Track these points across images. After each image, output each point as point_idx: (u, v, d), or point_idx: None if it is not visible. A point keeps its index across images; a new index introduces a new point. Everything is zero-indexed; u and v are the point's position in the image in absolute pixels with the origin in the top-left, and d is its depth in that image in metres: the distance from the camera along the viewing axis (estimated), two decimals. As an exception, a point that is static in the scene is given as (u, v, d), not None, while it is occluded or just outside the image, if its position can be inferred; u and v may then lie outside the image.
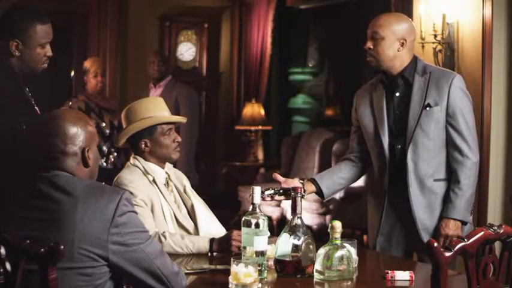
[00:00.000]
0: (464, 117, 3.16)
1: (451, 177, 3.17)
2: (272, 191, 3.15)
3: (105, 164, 5.41)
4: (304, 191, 3.21)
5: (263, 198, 3.08)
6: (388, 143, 3.23)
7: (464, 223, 3.16)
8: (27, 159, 2.29)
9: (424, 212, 3.19)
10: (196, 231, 3.06)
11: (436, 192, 3.19)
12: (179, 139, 3.14)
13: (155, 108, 3.12)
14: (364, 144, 3.37)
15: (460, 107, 3.16)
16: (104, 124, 5.48)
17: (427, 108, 3.16)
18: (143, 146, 3.09)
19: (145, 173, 3.07)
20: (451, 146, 3.18)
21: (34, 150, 2.23)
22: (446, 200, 3.16)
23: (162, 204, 3.02)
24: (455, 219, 3.14)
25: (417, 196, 3.18)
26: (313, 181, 3.33)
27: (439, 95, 3.16)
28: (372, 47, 3.18)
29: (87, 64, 5.79)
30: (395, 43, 3.17)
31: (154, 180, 3.06)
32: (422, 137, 3.17)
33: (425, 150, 3.17)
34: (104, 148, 5.41)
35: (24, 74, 3.03)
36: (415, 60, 3.23)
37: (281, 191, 3.16)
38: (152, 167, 3.09)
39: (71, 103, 5.58)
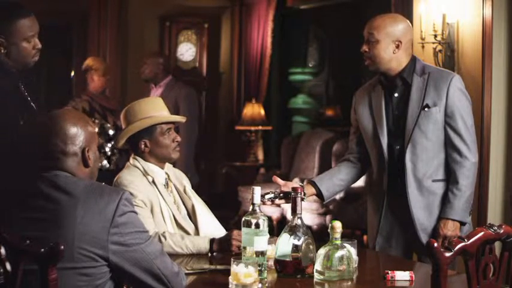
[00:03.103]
0: (463, 118, 3.16)
1: (450, 178, 3.17)
2: (272, 195, 3.15)
3: (107, 165, 5.37)
4: (304, 194, 3.22)
5: (263, 203, 3.08)
6: (387, 143, 3.23)
7: (462, 224, 3.16)
8: (27, 159, 2.29)
9: (423, 212, 3.19)
10: (197, 233, 3.06)
11: (435, 193, 3.19)
12: (179, 139, 3.14)
13: (154, 108, 3.12)
14: (363, 144, 3.36)
15: (459, 108, 3.16)
16: (108, 125, 5.45)
17: (426, 109, 3.16)
18: (143, 146, 3.09)
19: (145, 173, 3.07)
20: (449, 146, 3.17)
21: (34, 150, 2.23)
22: (445, 201, 3.16)
23: (161, 206, 3.02)
24: (453, 220, 3.14)
25: (416, 196, 3.18)
26: (313, 184, 3.33)
27: (438, 96, 3.15)
28: (367, 50, 3.19)
29: (93, 63, 5.73)
30: (391, 45, 3.16)
31: (153, 181, 3.06)
32: (420, 137, 3.17)
33: (423, 151, 3.17)
34: (107, 149, 5.38)
35: (18, 70, 3.03)
36: (413, 60, 3.23)
37: (281, 194, 3.16)
38: (152, 167, 3.09)
39: (74, 103, 5.54)
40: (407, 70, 3.21)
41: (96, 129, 5.35)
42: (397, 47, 3.17)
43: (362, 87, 3.42)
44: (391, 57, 3.17)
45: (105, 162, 5.38)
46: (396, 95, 3.24)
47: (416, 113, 3.17)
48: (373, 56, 3.18)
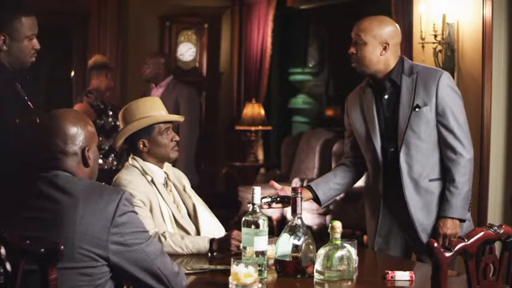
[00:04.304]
0: (454, 115, 3.15)
1: (446, 176, 3.16)
2: (269, 199, 3.16)
3: (115, 167, 5.31)
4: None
5: (260, 206, 3.09)
6: (381, 146, 3.23)
7: (462, 221, 3.16)
8: (27, 159, 2.29)
9: (422, 212, 3.18)
10: (198, 233, 3.06)
11: (433, 192, 3.18)
12: (177, 138, 3.14)
13: (152, 108, 3.11)
14: (358, 148, 3.36)
15: (449, 105, 3.15)
16: (118, 122, 5.40)
17: (417, 110, 3.15)
18: (141, 146, 3.08)
19: (144, 173, 3.06)
20: (443, 145, 3.16)
21: (34, 150, 2.23)
22: (443, 200, 3.16)
23: (161, 205, 3.02)
24: (452, 218, 3.13)
25: (413, 197, 3.18)
26: (310, 188, 3.33)
27: (427, 95, 3.14)
28: (354, 51, 3.19)
29: (109, 61, 5.67)
30: (378, 47, 3.16)
31: (152, 181, 3.06)
32: (413, 138, 3.16)
33: (418, 152, 3.16)
34: (118, 148, 5.32)
35: (14, 69, 3.04)
36: (401, 61, 3.22)
37: (278, 198, 3.17)
38: (151, 167, 3.09)
39: (88, 99, 5.45)
40: (395, 71, 3.20)
41: (109, 127, 5.33)
42: (384, 49, 3.17)
43: (353, 91, 3.42)
44: (378, 59, 3.18)
45: (114, 163, 5.33)
46: (386, 97, 3.23)
47: (408, 114, 3.16)
48: (360, 58, 3.18)
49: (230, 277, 2.42)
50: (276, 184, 3.24)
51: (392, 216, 3.26)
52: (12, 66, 3.03)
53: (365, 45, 3.16)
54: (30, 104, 3.04)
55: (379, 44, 3.16)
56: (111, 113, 5.39)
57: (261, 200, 3.06)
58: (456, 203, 3.12)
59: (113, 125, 5.35)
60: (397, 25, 3.26)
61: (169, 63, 6.35)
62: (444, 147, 3.16)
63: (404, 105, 3.17)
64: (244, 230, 2.56)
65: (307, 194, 3.32)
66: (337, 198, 6.40)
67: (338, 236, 2.55)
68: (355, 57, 3.19)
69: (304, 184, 5.73)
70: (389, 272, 2.57)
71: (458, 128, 3.14)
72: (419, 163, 3.16)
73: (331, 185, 3.36)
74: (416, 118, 3.14)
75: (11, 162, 2.80)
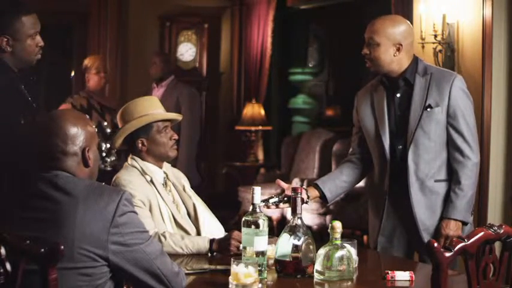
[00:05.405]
0: (465, 118, 3.16)
1: (452, 178, 3.17)
2: (277, 199, 3.15)
3: (103, 165, 5.33)
4: (308, 197, 3.22)
5: (268, 207, 3.10)
6: (389, 143, 3.23)
7: (464, 223, 3.16)
8: (27, 159, 2.29)
9: (425, 212, 3.19)
10: (198, 233, 3.05)
11: (437, 193, 3.19)
12: (176, 137, 3.14)
13: (150, 107, 3.11)
14: (365, 145, 3.36)
15: (461, 108, 3.17)
16: (105, 123, 5.43)
17: (428, 109, 3.16)
18: (140, 145, 3.08)
19: (143, 173, 3.06)
20: (452, 146, 3.18)
21: (34, 150, 2.23)
22: (447, 201, 3.17)
23: (160, 205, 3.01)
24: (455, 220, 3.14)
25: (418, 197, 3.18)
26: (316, 186, 3.33)
27: (440, 96, 3.16)
28: (368, 52, 3.20)
29: (88, 61, 5.74)
30: (391, 48, 3.17)
31: (152, 181, 3.05)
32: (423, 137, 3.17)
33: (426, 151, 3.17)
34: (104, 148, 5.36)
35: (20, 69, 3.04)
36: (416, 61, 3.23)
37: (285, 198, 3.16)
38: (150, 167, 3.09)
39: (72, 100, 5.52)
40: (409, 71, 3.21)
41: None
42: (398, 50, 3.17)
43: (364, 88, 3.42)
44: (392, 59, 3.18)
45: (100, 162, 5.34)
46: (398, 95, 3.25)
47: (419, 113, 3.17)
48: (374, 59, 3.18)
49: (230, 277, 2.42)
50: (282, 183, 3.24)
51: (396, 215, 3.27)
52: (17, 66, 3.03)
53: (378, 46, 3.16)
54: (34, 104, 3.04)
55: (392, 45, 3.16)
56: (95, 114, 5.41)
57: (268, 200, 3.08)
58: (460, 205, 3.13)
59: (98, 124, 5.36)
60: (409, 23, 3.26)
61: (173, 63, 6.36)
62: (452, 149, 3.17)
63: (416, 104, 3.18)
64: (244, 230, 2.55)
65: (314, 192, 3.31)
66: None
67: (338, 236, 2.55)
68: (369, 57, 3.20)
69: (304, 184, 5.73)
70: (390, 272, 2.57)
71: (467, 131, 3.16)
72: (426, 163, 3.17)
73: (337, 183, 3.36)
74: (427, 118, 3.16)
75: (14, 162, 2.80)
